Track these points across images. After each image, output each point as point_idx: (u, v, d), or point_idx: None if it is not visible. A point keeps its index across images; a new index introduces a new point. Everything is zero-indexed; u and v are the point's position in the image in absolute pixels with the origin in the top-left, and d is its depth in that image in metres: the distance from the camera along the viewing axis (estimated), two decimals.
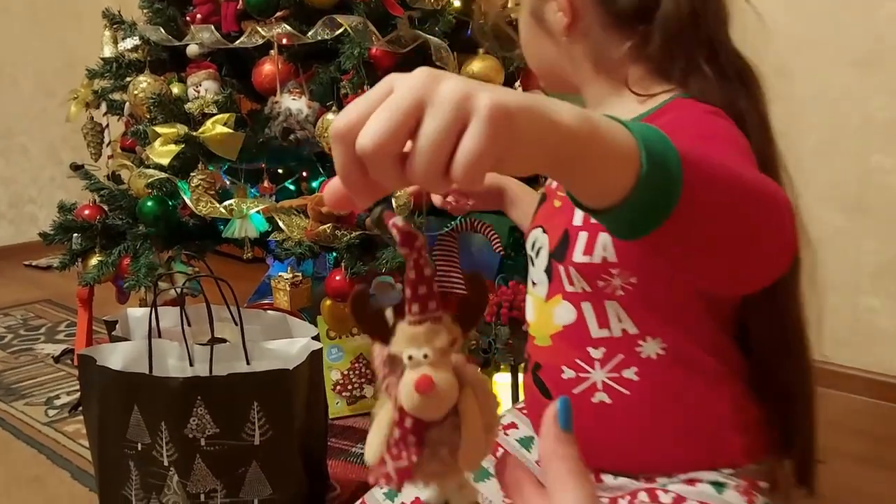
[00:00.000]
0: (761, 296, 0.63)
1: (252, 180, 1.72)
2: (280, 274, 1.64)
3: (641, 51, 0.77)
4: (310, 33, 1.53)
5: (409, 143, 0.37)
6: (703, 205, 0.48)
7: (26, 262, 3.47)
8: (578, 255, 0.75)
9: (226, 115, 1.54)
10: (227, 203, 1.55)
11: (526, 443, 0.91)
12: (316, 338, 1.33)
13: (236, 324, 1.31)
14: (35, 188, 3.75)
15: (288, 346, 1.32)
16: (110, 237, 1.73)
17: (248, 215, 1.53)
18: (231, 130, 1.52)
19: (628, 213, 0.46)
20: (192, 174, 1.56)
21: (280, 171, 1.85)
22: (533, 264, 0.84)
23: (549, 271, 0.80)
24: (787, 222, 0.56)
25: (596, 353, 0.76)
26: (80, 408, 1.62)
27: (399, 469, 0.34)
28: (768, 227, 0.54)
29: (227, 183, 1.78)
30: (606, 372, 0.76)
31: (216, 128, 1.52)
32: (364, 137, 0.36)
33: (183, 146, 1.53)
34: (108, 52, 1.84)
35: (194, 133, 1.53)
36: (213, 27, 1.63)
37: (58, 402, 2.02)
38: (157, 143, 1.53)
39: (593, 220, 0.52)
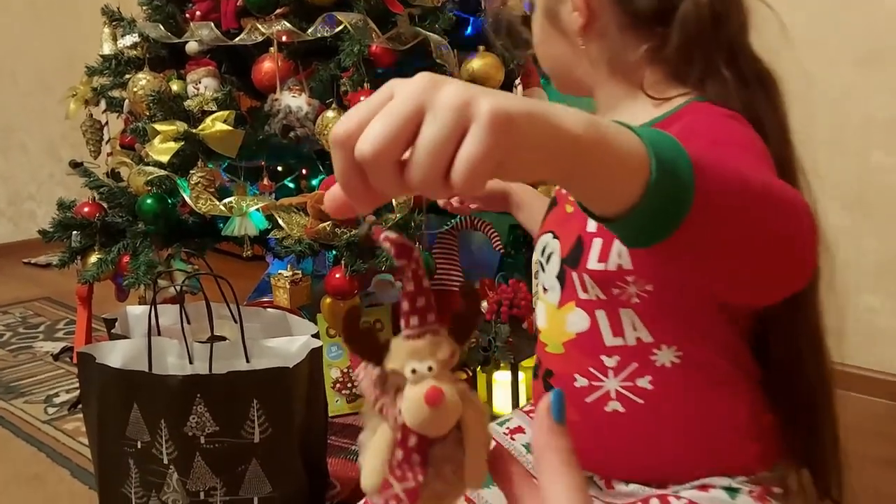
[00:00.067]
0: (780, 305, 0.61)
1: (252, 178, 1.72)
2: (280, 272, 1.64)
3: (658, 53, 0.75)
4: (310, 30, 1.53)
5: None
6: (717, 212, 0.47)
7: (25, 260, 3.47)
8: (593, 263, 0.73)
9: (225, 113, 1.54)
10: (226, 201, 1.55)
11: None
12: (316, 335, 1.32)
13: (236, 322, 1.30)
14: (34, 185, 3.74)
15: (288, 343, 1.31)
16: (110, 235, 1.73)
17: (247, 213, 1.53)
18: (231, 128, 1.52)
19: (638, 221, 0.45)
20: (191, 172, 1.56)
21: (280, 168, 1.85)
22: (543, 270, 0.83)
23: (562, 278, 0.79)
24: (808, 231, 0.54)
25: (609, 362, 0.75)
26: (80, 406, 1.62)
27: (407, 490, 0.33)
28: (787, 236, 0.52)
29: (227, 180, 1.78)
30: (620, 381, 0.75)
31: (216, 125, 1.52)
32: (363, 144, 0.36)
33: (182, 144, 1.52)
34: (107, 49, 1.84)
35: (194, 130, 1.53)
36: (212, 24, 1.63)
37: (57, 400, 2.02)
38: (156, 141, 1.53)
39: None
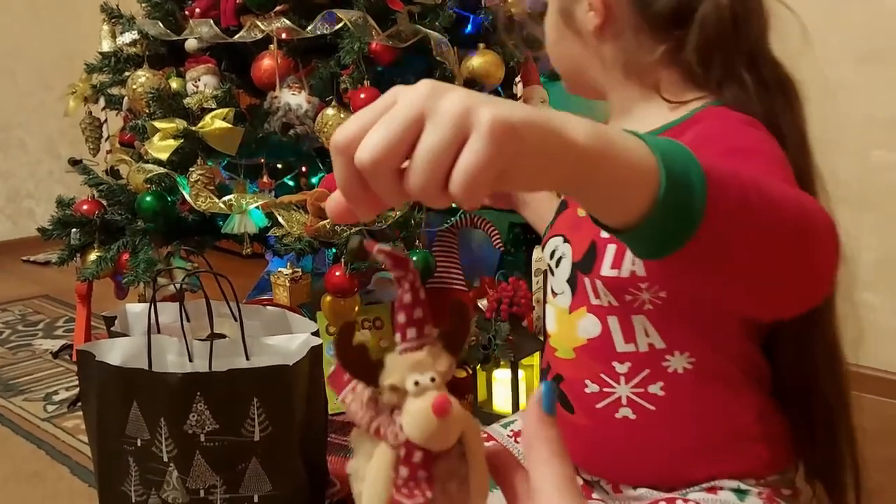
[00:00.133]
0: (795, 320, 0.60)
1: (251, 175, 1.72)
2: (279, 269, 1.64)
3: (675, 56, 0.73)
4: (309, 28, 1.53)
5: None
6: (731, 226, 0.45)
7: (24, 258, 3.47)
8: (606, 269, 0.73)
9: (225, 110, 1.53)
10: (226, 198, 1.54)
11: None
12: (316, 333, 1.32)
13: (236, 319, 1.30)
14: (33, 182, 3.74)
15: (288, 341, 1.31)
16: (109, 232, 1.72)
17: (247, 211, 1.52)
18: (230, 125, 1.52)
19: (648, 232, 0.44)
20: (191, 169, 1.56)
21: (279, 166, 1.85)
22: (553, 273, 0.82)
23: (573, 282, 0.78)
24: (827, 245, 0.52)
25: (621, 368, 0.74)
26: (79, 403, 1.62)
27: None
28: (805, 251, 0.50)
29: (227, 178, 1.77)
30: (631, 387, 0.74)
31: (215, 123, 1.51)
32: (362, 151, 0.36)
33: (182, 141, 1.52)
34: (106, 46, 1.83)
35: (193, 128, 1.52)
36: (212, 21, 1.63)
37: (56, 398, 2.02)
38: (155, 138, 1.52)
39: None
